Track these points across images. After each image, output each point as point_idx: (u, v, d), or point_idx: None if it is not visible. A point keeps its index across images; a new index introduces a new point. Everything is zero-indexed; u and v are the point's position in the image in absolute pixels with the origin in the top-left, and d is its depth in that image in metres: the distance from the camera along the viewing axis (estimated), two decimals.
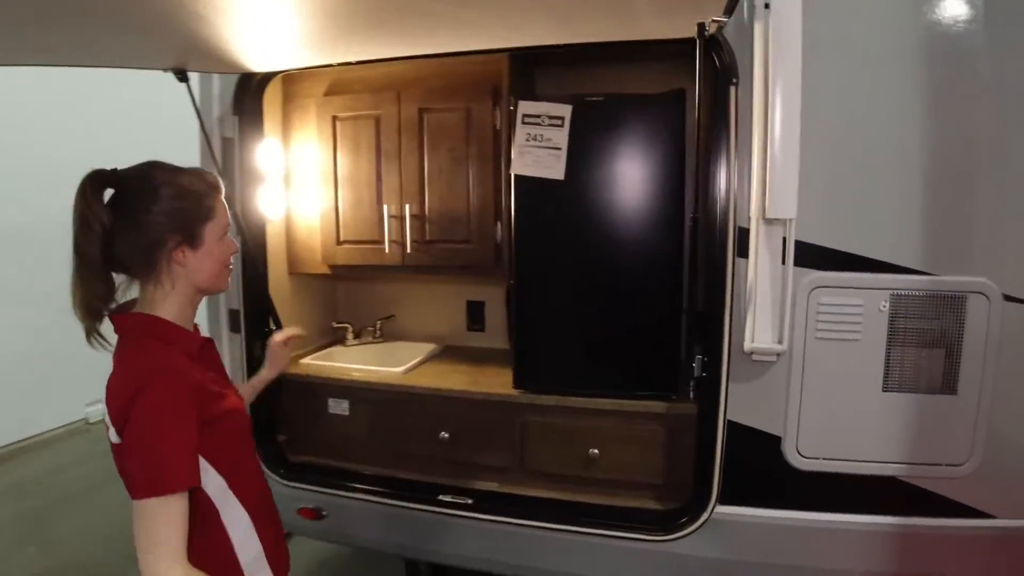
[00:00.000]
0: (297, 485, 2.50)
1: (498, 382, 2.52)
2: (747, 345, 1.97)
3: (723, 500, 2.09)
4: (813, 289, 1.97)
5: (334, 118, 2.73)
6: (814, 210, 1.90)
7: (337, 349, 3.00)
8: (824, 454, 2.03)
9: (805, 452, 2.04)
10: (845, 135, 1.93)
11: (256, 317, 2.54)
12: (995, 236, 1.90)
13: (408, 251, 2.67)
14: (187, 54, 2.00)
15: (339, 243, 2.81)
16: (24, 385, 4.60)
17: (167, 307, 1.29)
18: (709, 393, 2.08)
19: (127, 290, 1.31)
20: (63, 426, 4.82)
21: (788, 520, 2.06)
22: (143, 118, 4.93)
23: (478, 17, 1.77)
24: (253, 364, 2.48)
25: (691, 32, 1.80)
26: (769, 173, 1.82)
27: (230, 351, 2.54)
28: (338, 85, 2.74)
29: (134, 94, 4.79)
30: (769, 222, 1.91)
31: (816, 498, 2.04)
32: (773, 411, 2.04)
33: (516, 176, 2.29)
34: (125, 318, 1.28)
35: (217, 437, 1.28)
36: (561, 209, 2.28)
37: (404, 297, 3.21)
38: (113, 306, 1.29)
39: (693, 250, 2.06)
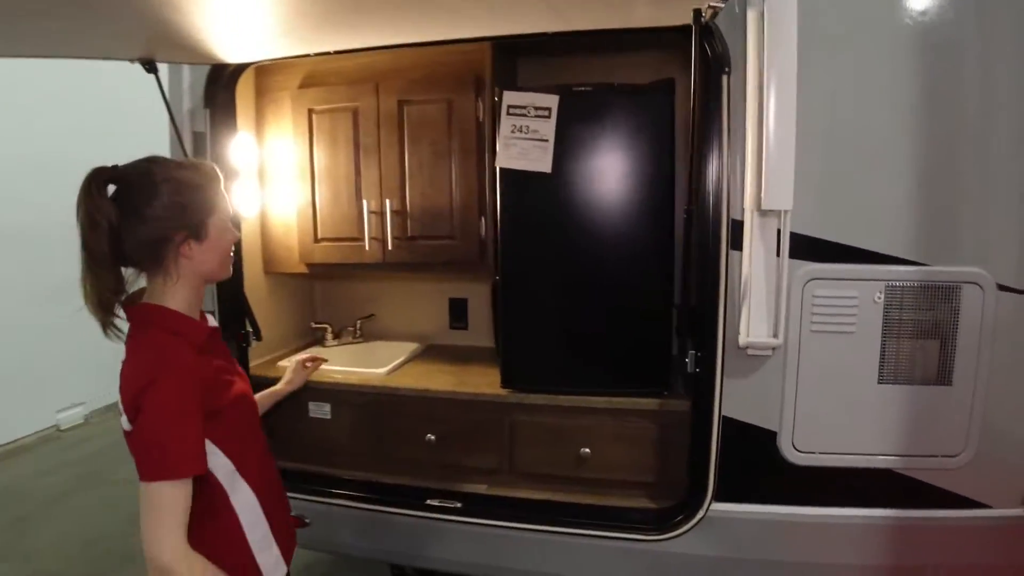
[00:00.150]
0: None
1: (484, 381, 2.46)
2: (742, 339, 1.94)
3: (718, 497, 2.06)
4: (808, 281, 1.94)
5: (310, 111, 2.64)
6: (808, 201, 1.86)
7: (316, 351, 2.91)
8: (820, 448, 2.01)
9: (801, 447, 2.01)
10: (838, 125, 1.90)
11: (231, 319, 2.44)
12: (988, 225, 1.90)
13: (389, 248, 2.59)
14: (155, 43, 1.90)
15: (317, 241, 2.72)
16: None
17: (175, 298, 1.33)
18: (703, 389, 2.04)
19: (135, 281, 1.35)
20: (34, 433, 4.70)
21: (785, 516, 2.04)
22: (111, 112, 4.80)
23: (464, 4, 1.70)
24: None
25: (686, 19, 1.75)
26: (765, 164, 1.78)
27: None
28: (313, 77, 2.65)
29: (94, 88, 4.65)
30: (764, 214, 1.87)
31: (812, 493, 2.03)
32: (768, 406, 2.02)
33: (501, 169, 2.22)
34: (136, 309, 1.31)
35: (225, 423, 1.33)
36: (548, 203, 2.22)
37: (384, 296, 3.13)
38: (123, 298, 1.32)
39: (687, 243, 2.00)
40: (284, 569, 1.48)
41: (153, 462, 1.20)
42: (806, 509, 2.03)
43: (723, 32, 1.89)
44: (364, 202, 2.57)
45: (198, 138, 2.40)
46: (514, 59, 2.76)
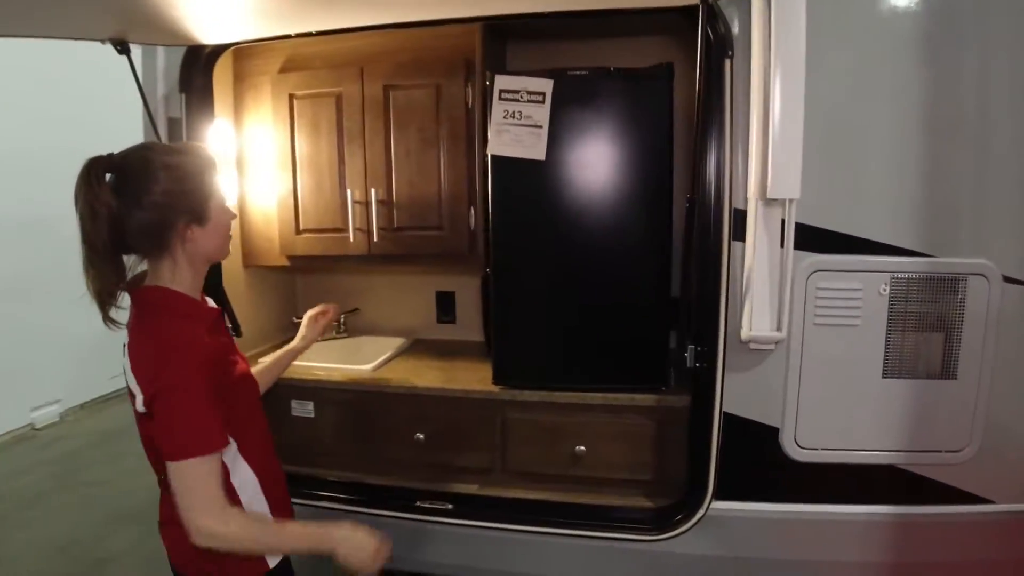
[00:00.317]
0: None
1: (475, 377, 2.38)
2: (744, 333, 1.88)
3: (719, 495, 2.02)
4: (812, 273, 1.89)
5: (291, 96, 2.52)
6: (812, 191, 1.79)
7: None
8: (823, 444, 1.98)
9: (804, 443, 1.97)
10: (844, 113, 1.85)
11: None
12: (994, 216, 1.86)
13: (374, 239, 2.48)
14: (127, 22, 1.80)
15: (298, 232, 2.61)
16: None
17: (180, 281, 1.35)
18: (703, 384, 1.99)
19: (135, 267, 1.36)
20: (7, 432, 4.54)
21: (787, 514, 2.00)
22: (78, 99, 4.64)
23: None
24: None
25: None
26: (771, 151, 1.71)
27: None
28: (295, 61, 2.54)
29: (59, 72, 4.49)
30: (768, 203, 1.80)
31: (815, 490, 1.99)
32: (770, 401, 1.97)
33: (493, 157, 2.13)
34: (143, 292, 1.33)
35: (230, 402, 1.35)
36: (541, 192, 2.14)
37: (369, 289, 3.03)
38: (123, 286, 1.33)
39: (688, 233, 1.93)
40: None
41: (181, 441, 1.23)
42: (808, 507, 2.00)
43: (725, 14, 1.82)
44: (348, 192, 2.47)
45: (173, 124, 2.29)
46: (503, 43, 2.67)
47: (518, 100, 2.07)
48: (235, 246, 2.65)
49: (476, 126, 2.37)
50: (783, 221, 1.80)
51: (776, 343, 1.89)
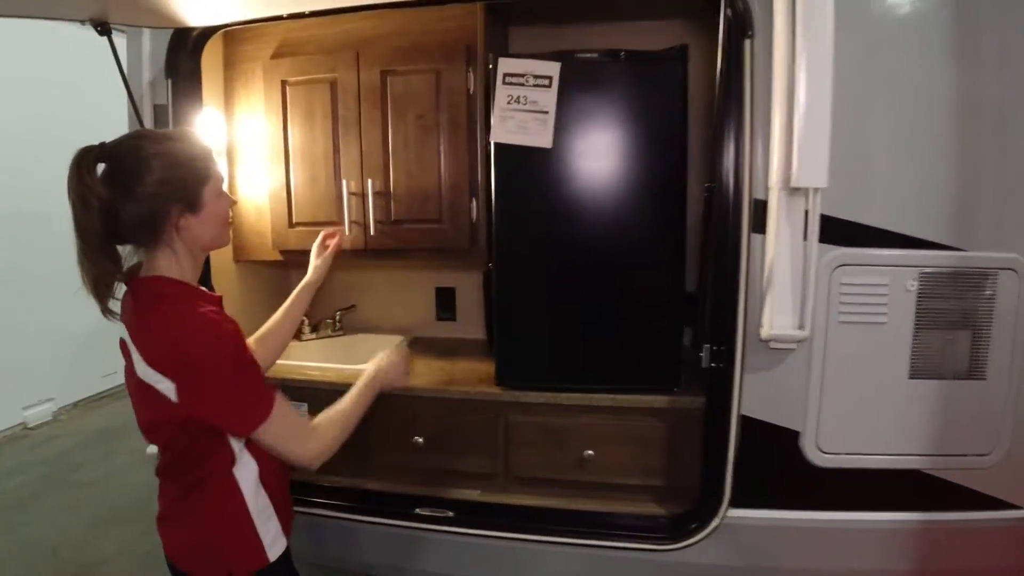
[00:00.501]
0: None
1: (476, 378, 2.27)
2: (764, 332, 1.77)
3: (735, 503, 1.92)
4: (836, 268, 1.79)
5: (283, 83, 2.41)
6: (836, 180, 1.68)
7: (292, 345, 2.67)
8: (846, 449, 1.89)
9: (825, 447, 1.88)
10: (871, 99, 1.74)
11: None
12: None
13: (371, 233, 2.37)
14: (108, 2, 1.67)
15: (292, 226, 2.50)
16: None
17: (178, 270, 1.33)
18: (719, 385, 1.89)
19: (130, 258, 1.34)
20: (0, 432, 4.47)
21: (806, 521, 1.92)
22: (65, 87, 4.52)
23: None
24: None
25: None
26: (797, 137, 1.59)
27: None
28: (288, 46, 2.42)
29: (39, 56, 4.38)
30: (791, 193, 1.69)
31: (837, 497, 1.91)
32: (791, 404, 1.87)
33: (496, 145, 2.02)
34: (144, 282, 1.32)
35: None
36: (547, 182, 2.03)
37: (366, 285, 2.92)
38: (120, 276, 1.31)
39: (705, 225, 1.82)
40: (284, 543, 1.46)
41: (246, 415, 1.28)
42: (830, 514, 1.92)
43: None
44: (343, 183, 2.35)
45: (159, 112, 2.17)
46: (505, 27, 2.56)
47: (523, 84, 1.96)
48: None
49: (478, 113, 2.25)
50: (806, 212, 1.69)
51: (798, 342, 1.78)
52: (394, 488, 2.22)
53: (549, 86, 1.94)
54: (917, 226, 1.77)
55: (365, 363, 2.38)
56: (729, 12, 1.70)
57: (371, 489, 2.23)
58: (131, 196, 1.25)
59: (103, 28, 1.77)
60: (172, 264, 1.33)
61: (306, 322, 2.80)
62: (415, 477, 2.24)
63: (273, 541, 1.42)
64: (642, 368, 2.09)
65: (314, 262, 1.96)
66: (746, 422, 1.87)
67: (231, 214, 1.44)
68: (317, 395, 2.28)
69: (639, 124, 1.97)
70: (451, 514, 2.11)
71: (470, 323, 2.82)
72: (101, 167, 1.25)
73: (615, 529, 2.03)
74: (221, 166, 2.38)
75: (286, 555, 1.46)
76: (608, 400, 2.08)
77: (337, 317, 2.85)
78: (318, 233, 2.35)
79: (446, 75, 2.27)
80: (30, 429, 4.59)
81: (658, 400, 2.06)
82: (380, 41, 2.32)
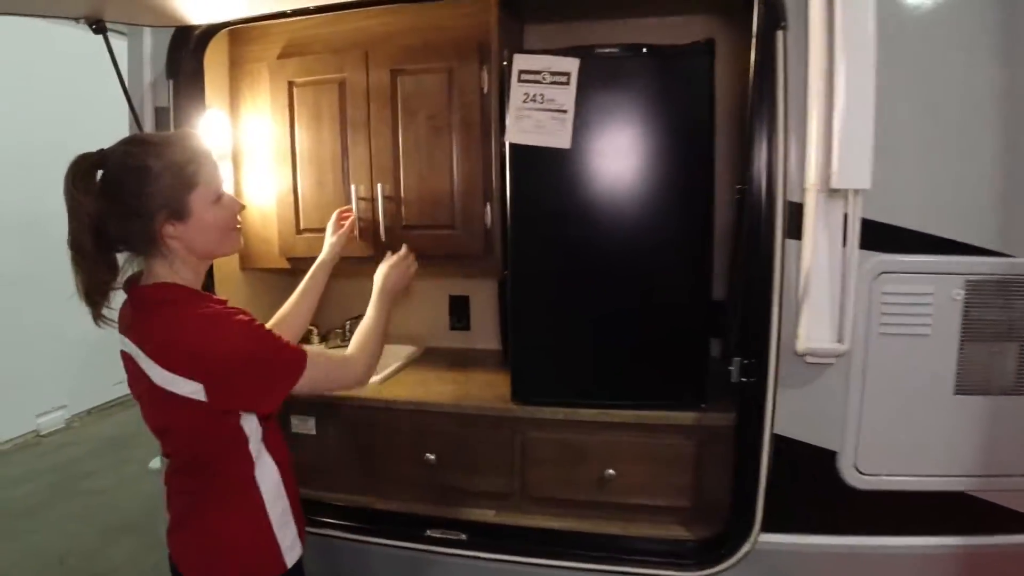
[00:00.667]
0: None
1: (491, 391, 2.16)
2: (800, 345, 1.65)
3: (767, 527, 1.80)
4: (877, 276, 1.67)
5: (290, 84, 2.31)
6: (877, 181, 1.56)
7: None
8: (886, 470, 1.76)
9: (864, 468, 1.76)
10: (913, 91, 1.61)
11: None
12: None
13: (381, 239, 2.26)
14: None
15: (299, 232, 2.40)
16: None
17: (176, 278, 1.31)
18: (751, 402, 1.77)
19: (127, 266, 1.33)
20: (11, 439, 4.44)
21: (844, 547, 1.80)
22: (73, 89, 4.48)
23: None
24: None
25: None
26: (837, 134, 1.46)
27: None
28: (295, 45, 2.33)
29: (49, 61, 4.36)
30: (830, 195, 1.56)
31: (876, 520, 1.79)
32: (828, 422, 1.75)
33: (511, 146, 1.91)
34: (144, 290, 1.30)
35: None
36: (565, 185, 1.91)
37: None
38: (116, 284, 1.30)
39: (737, 229, 1.70)
40: (300, 549, 1.45)
41: (285, 380, 1.31)
42: (868, 539, 1.80)
43: None
44: (352, 186, 2.25)
45: (160, 114, 2.09)
46: (521, 24, 2.45)
47: (540, 82, 1.85)
48: None
49: (492, 113, 2.14)
50: (846, 215, 1.57)
51: (837, 357, 1.65)
52: (405, 507, 2.13)
53: (567, 83, 1.83)
54: (963, 230, 1.64)
55: (377, 375, 2.32)
56: (760, 1, 1.59)
57: (381, 509, 2.13)
58: (116, 205, 1.24)
59: (98, 26, 1.68)
60: (170, 272, 1.31)
61: (315, 332, 2.72)
62: (426, 495, 2.14)
63: (290, 546, 1.41)
64: (667, 382, 1.97)
65: (329, 239, 1.97)
66: (779, 441, 1.75)
67: (239, 220, 1.40)
68: (325, 408, 2.20)
69: (663, 122, 1.85)
70: (464, 536, 2.00)
71: (485, 333, 2.72)
72: (91, 175, 1.25)
73: (638, 554, 1.91)
74: (225, 170, 2.31)
75: (300, 562, 1.45)
76: (631, 416, 1.96)
77: (347, 327, 2.74)
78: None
79: (459, 74, 2.17)
80: (42, 436, 4.58)
81: (684, 416, 1.94)
82: (390, 39, 2.22)
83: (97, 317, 1.28)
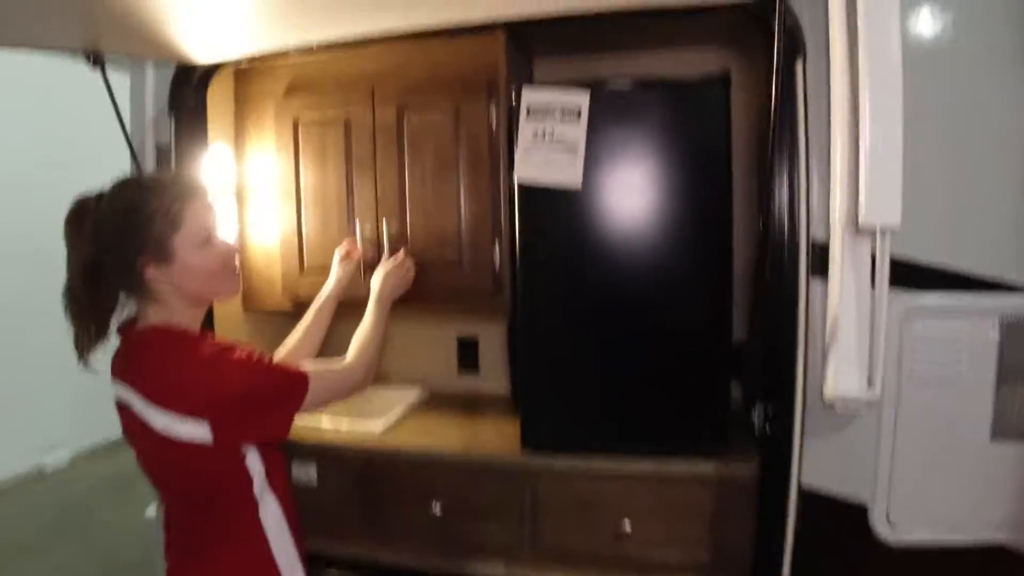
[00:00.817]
0: None
1: (500, 439, 2.06)
2: (828, 392, 1.55)
3: None
4: (907, 317, 1.58)
5: (295, 121, 2.27)
6: (904, 217, 1.46)
7: None
8: (920, 523, 1.66)
9: (897, 521, 1.66)
10: (940, 121, 1.54)
11: None
12: None
13: None
14: (99, 29, 1.55)
15: (303, 272, 2.33)
16: None
17: (170, 320, 1.30)
18: (776, 452, 1.67)
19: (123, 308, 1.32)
20: (15, 476, 4.41)
21: None
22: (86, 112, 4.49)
23: None
24: None
25: None
26: (864, 169, 1.38)
27: None
28: (300, 82, 2.29)
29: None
30: (856, 233, 1.48)
31: None
32: (858, 473, 1.66)
33: (520, 184, 1.85)
34: (140, 334, 1.29)
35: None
36: (576, 223, 1.84)
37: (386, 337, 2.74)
38: (111, 326, 1.30)
39: (758, 269, 1.63)
40: None
41: (290, 404, 1.31)
42: None
43: (793, 6, 1.54)
44: (358, 225, 2.19)
45: (162, 151, 2.05)
46: (529, 59, 2.41)
47: (549, 118, 1.79)
48: None
49: (501, 150, 2.08)
50: (874, 254, 1.48)
51: (868, 403, 1.56)
52: (408, 560, 2.02)
53: (578, 118, 1.77)
54: (997, 267, 1.56)
55: (381, 418, 2.23)
56: (778, 28, 1.52)
57: (382, 561, 2.03)
58: (103, 247, 1.23)
59: (96, 60, 1.65)
60: (162, 314, 1.29)
61: None
62: (431, 548, 2.03)
63: None
64: (686, 428, 1.86)
65: (336, 271, 1.97)
66: (806, 494, 1.64)
67: (235, 262, 1.37)
68: (327, 455, 2.11)
69: (678, 158, 1.78)
70: None
71: (494, 376, 2.62)
72: (85, 218, 1.26)
73: None
74: (229, 208, 2.26)
75: None
76: (648, 465, 1.85)
77: None
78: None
79: (466, 110, 2.11)
80: (46, 473, 4.54)
81: (704, 466, 1.82)
82: (396, 75, 2.17)
83: (84, 359, 1.28)
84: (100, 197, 1.26)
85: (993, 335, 1.58)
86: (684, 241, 1.80)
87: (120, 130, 1.87)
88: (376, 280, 1.85)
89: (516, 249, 1.93)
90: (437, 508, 2.00)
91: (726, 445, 1.84)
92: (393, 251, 2.11)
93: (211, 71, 2.04)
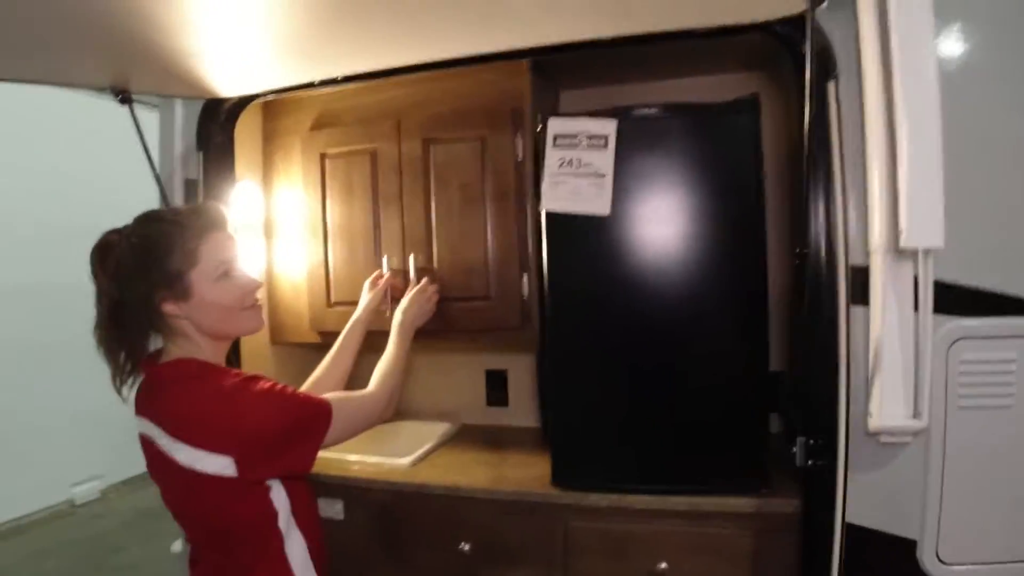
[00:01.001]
0: None
1: (530, 475, 2.01)
2: (874, 423, 1.48)
3: None
4: (953, 342, 1.51)
5: (322, 156, 2.28)
6: (948, 238, 1.41)
7: None
8: (971, 558, 1.57)
9: (947, 558, 1.56)
10: (982, 135, 1.48)
11: None
12: None
13: None
14: (127, 65, 1.57)
15: (330, 305, 2.33)
16: (1, 463, 4.16)
17: (194, 355, 1.29)
18: (818, 487, 1.58)
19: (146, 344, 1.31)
20: (45, 508, 4.40)
21: None
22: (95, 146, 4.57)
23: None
24: None
25: (789, 9, 1.36)
26: (904, 190, 1.33)
27: None
28: (327, 117, 2.31)
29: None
30: (899, 256, 1.42)
31: None
32: (906, 507, 1.56)
33: (547, 214, 1.82)
34: (162, 369, 1.28)
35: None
36: (606, 253, 1.80)
37: (410, 367, 2.71)
38: (136, 360, 1.29)
39: (798, 297, 1.57)
40: None
41: (314, 438, 1.29)
42: None
43: (824, 27, 1.51)
44: (384, 258, 2.18)
45: (190, 186, 2.06)
46: (555, 90, 2.41)
47: (576, 146, 1.77)
48: None
49: (527, 181, 2.07)
50: (916, 278, 1.42)
51: (914, 434, 1.49)
52: None
53: (605, 146, 1.75)
54: None
55: (409, 455, 2.19)
56: (807, 48, 1.49)
57: None
58: (123, 283, 1.23)
59: (124, 97, 1.67)
60: (185, 349, 1.29)
61: None
62: None
63: None
64: (722, 465, 1.79)
65: (366, 298, 1.99)
66: (852, 530, 1.56)
67: (257, 298, 1.37)
68: (354, 491, 2.07)
69: (708, 184, 1.74)
70: None
71: (524, 409, 2.58)
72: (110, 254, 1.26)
73: None
74: (256, 242, 2.27)
75: None
76: (684, 503, 1.78)
77: None
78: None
79: (492, 142, 2.11)
80: (76, 506, 4.53)
81: (743, 503, 1.75)
82: (421, 108, 2.18)
83: (118, 390, 1.28)
84: (122, 232, 1.26)
85: None
86: (716, 269, 1.75)
87: (148, 166, 1.89)
88: (398, 309, 1.88)
89: (544, 280, 1.90)
90: (466, 546, 1.95)
91: (766, 482, 1.77)
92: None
93: (238, 107, 2.06)
